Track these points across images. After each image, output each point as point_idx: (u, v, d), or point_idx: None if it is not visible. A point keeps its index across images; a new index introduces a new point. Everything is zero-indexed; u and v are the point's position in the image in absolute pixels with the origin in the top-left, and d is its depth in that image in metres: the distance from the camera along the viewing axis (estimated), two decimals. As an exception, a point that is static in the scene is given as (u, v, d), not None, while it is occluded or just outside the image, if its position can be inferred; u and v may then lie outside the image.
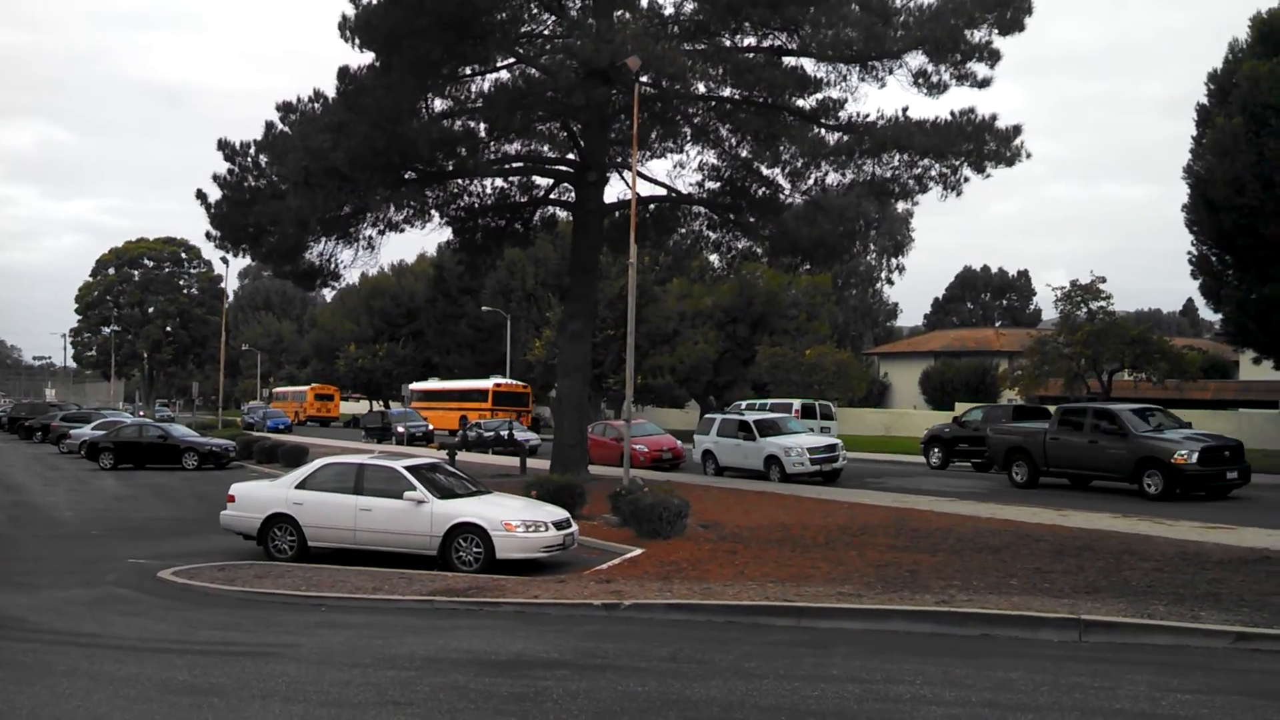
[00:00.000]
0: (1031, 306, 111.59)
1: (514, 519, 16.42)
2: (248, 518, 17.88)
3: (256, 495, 18.16)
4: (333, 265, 30.56)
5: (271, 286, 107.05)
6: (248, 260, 41.93)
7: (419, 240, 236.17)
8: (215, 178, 28.07)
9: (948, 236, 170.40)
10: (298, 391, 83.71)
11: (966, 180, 26.16)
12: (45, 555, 18.35)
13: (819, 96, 26.38)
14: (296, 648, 10.30)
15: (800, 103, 26.54)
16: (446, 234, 32.47)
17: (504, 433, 39.61)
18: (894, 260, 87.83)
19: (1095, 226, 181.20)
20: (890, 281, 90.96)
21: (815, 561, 15.78)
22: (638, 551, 17.44)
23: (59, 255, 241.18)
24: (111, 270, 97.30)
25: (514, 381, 61.38)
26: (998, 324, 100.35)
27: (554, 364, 61.27)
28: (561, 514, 17.47)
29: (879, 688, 8.56)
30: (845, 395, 53.66)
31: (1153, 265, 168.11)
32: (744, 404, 46.16)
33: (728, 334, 58.27)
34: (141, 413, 77.13)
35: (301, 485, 17.69)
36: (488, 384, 60.98)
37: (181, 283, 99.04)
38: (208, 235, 29.46)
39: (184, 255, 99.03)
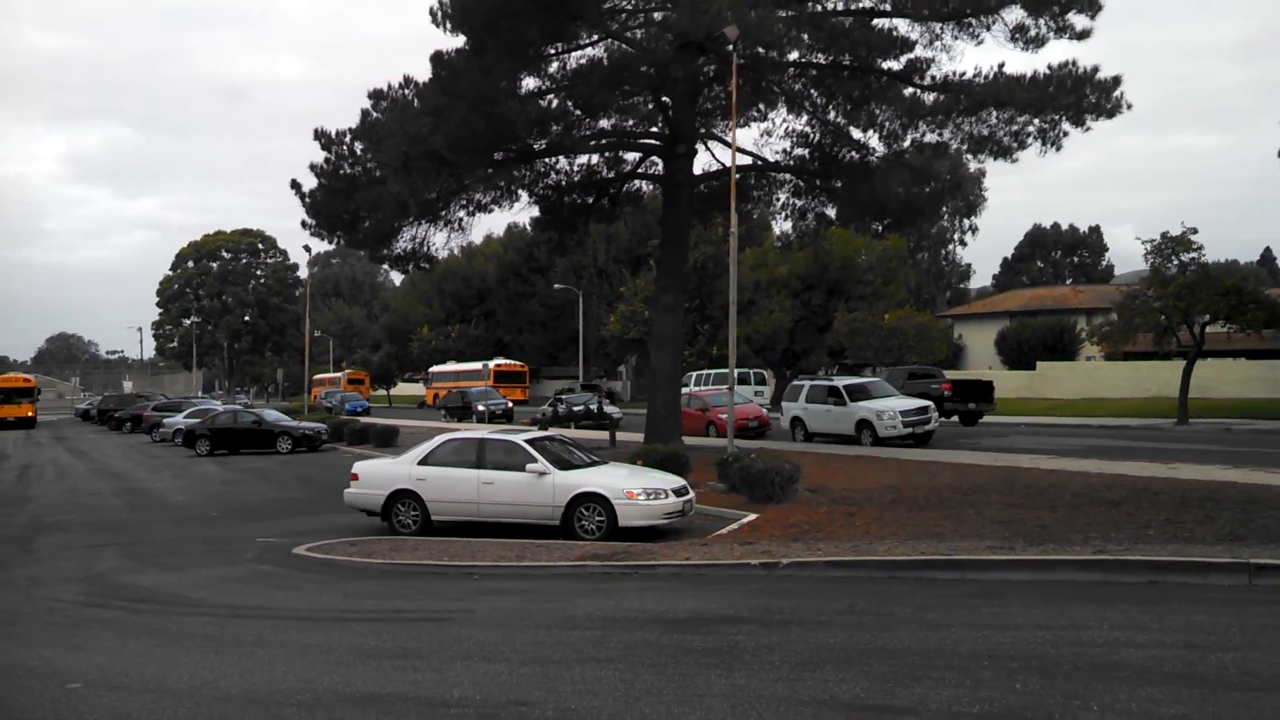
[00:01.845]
0: (1104, 263, 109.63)
1: (635, 487, 16.62)
2: (371, 494, 18.27)
3: (379, 473, 18.54)
4: (425, 248, 30.94)
5: (341, 274, 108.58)
6: (329, 246, 42.67)
7: (490, 223, 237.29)
8: (312, 167, 28.47)
9: (1014, 196, 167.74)
10: (333, 378, 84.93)
11: (1066, 135, 25.72)
12: (176, 537, 18.86)
13: (912, 56, 26.03)
14: (470, 613, 10.56)
15: (894, 64, 26.23)
16: (517, 215, 32.81)
17: (592, 407, 39.90)
18: (966, 221, 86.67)
19: (1166, 179, 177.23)
20: (963, 243, 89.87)
21: (937, 520, 15.74)
22: (753, 516, 17.55)
23: (129, 252, 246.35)
24: (190, 263, 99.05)
25: (512, 362, 69.14)
26: (1069, 281, 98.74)
27: (628, 339, 61.86)
28: (679, 481, 17.65)
29: (1068, 633, 8.58)
30: (926, 358, 53.17)
31: (1227, 216, 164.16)
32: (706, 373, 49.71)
33: (803, 302, 58.03)
34: (241, 396, 78.55)
35: (423, 461, 18.03)
36: (490, 365, 68.44)
37: (259, 273, 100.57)
38: (303, 224, 29.86)
39: (260, 246, 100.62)
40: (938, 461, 24.94)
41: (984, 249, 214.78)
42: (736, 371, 43.80)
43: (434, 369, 78.50)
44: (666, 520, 16.64)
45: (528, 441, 17.73)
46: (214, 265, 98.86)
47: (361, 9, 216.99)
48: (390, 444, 37.42)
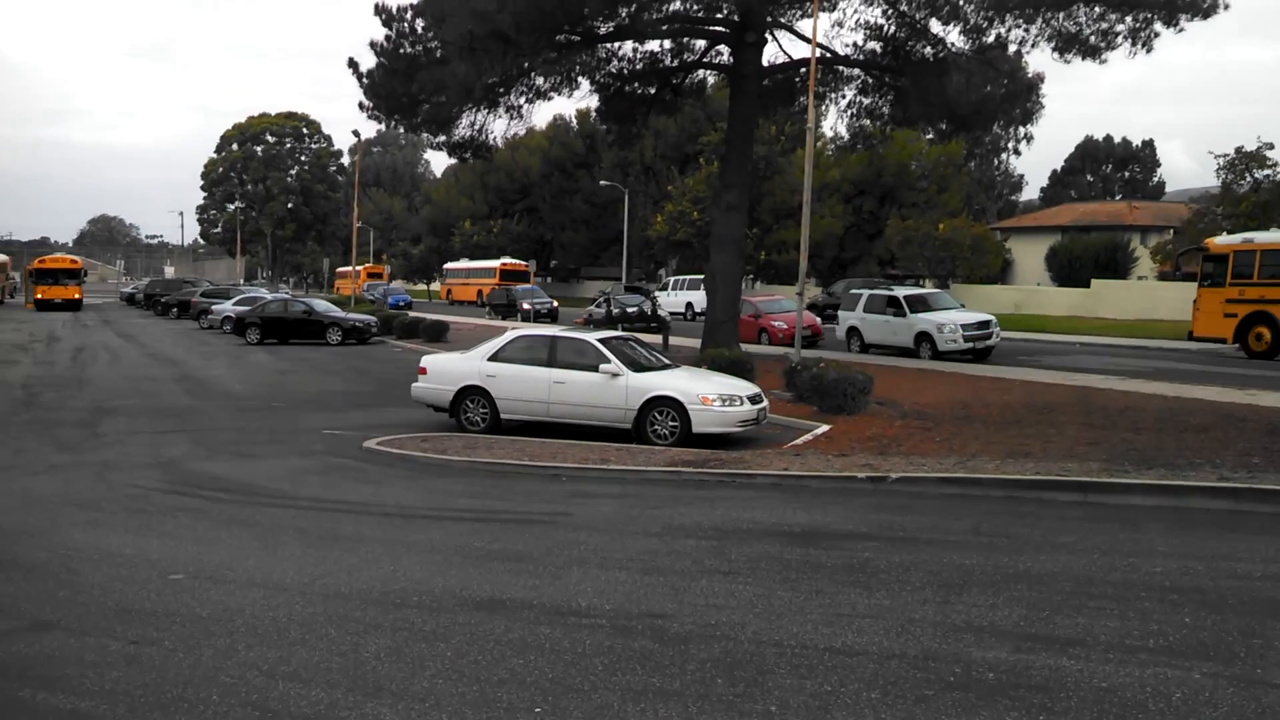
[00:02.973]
0: (1155, 179, 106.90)
1: (710, 392, 16.22)
2: (440, 390, 17.97)
3: (449, 368, 18.20)
4: (484, 135, 30.22)
5: (382, 163, 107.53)
6: (380, 128, 41.29)
7: (539, 114, 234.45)
8: (372, 44, 27.57)
9: (1059, 105, 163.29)
10: (352, 270, 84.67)
11: (1157, 35, 24.52)
12: (241, 426, 18.69)
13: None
14: (569, 516, 10.25)
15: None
16: (568, 106, 31.89)
17: (645, 308, 39.40)
18: (1021, 129, 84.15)
19: (1219, 94, 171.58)
20: (1017, 152, 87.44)
21: (1021, 439, 15.28)
22: (826, 427, 17.18)
23: (168, 135, 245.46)
24: (235, 146, 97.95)
25: (517, 261, 70.85)
26: (1118, 196, 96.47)
27: (675, 240, 60.96)
28: (753, 388, 17.21)
29: (1223, 565, 8.15)
30: (979, 272, 52.22)
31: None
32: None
33: (854, 208, 56.89)
34: (283, 285, 78.25)
35: (494, 358, 17.67)
36: (496, 264, 70.79)
37: (303, 158, 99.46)
38: (360, 106, 29.08)
39: (304, 130, 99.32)
40: (1003, 378, 24.41)
41: (1029, 161, 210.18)
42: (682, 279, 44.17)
43: (447, 266, 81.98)
44: (741, 428, 16.26)
45: (601, 341, 17.31)
46: (258, 149, 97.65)
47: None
48: (440, 339, 37.21)
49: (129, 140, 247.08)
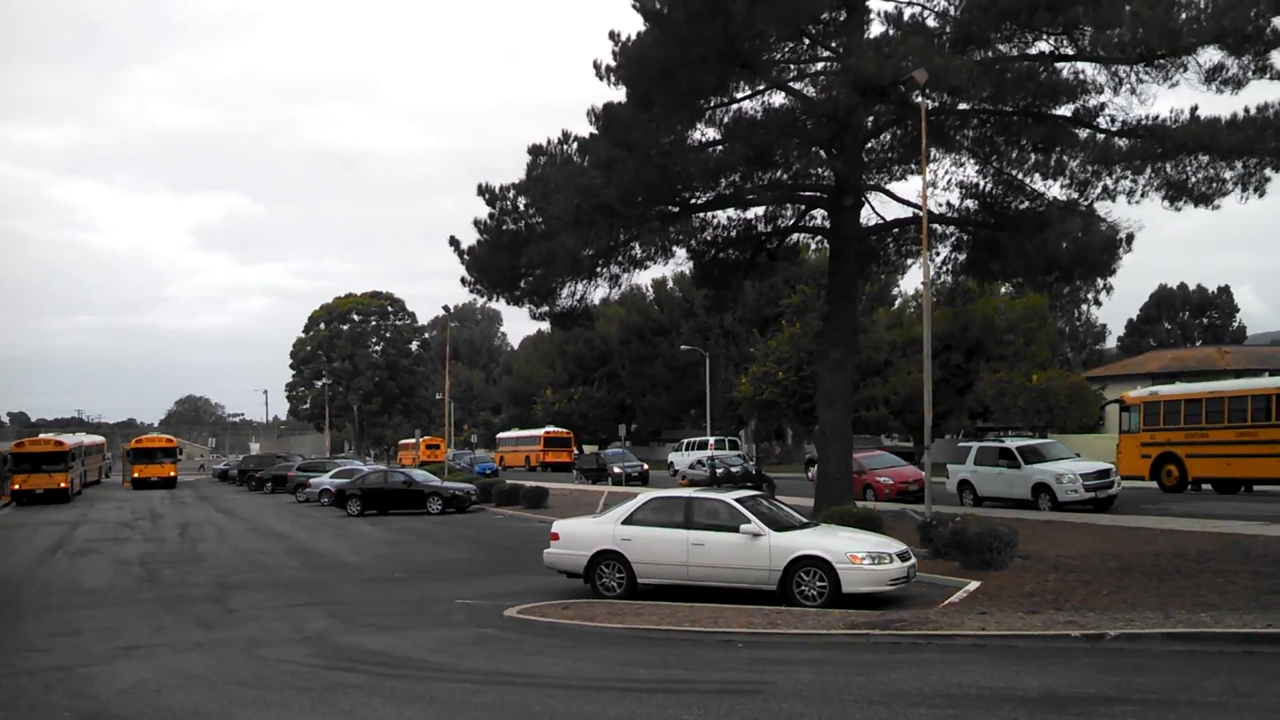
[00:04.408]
0: (1234, 324, 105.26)
1: (859, 551, 15.68)
2: (574, 555, 17.61)
3: (582, 533, 17.88)
4: (584, 304, 30.59)
5: (460, 336, 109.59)
6: (474, 300, 42.04)
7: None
8: (476, 223, 28.42)
9: (1128, 256, 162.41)
10: (412, 443, 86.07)
11: (1268, 180, 24.30)
12: (371, 598, 18.42)
13: (1099, 100, 24.98)
14: (772, 685, 9.67)
15: (1079, 109, 25.20)
16: (656, 273, 32.38)
17: (750, 468, 38.97)
18: (1101, 281, 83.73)
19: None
20: (1098, 303, 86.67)
21: (1195, 591, 14.50)
22: (975, 584, 16.53)
23: (247, 319, 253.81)
24: (323, 325, 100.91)
25: (558, 430, 76.66)
26: (1198, 343, 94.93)
27: (760, 400, 60.78)
28: (900, 545, 16.60)
29: None
30: (1075, 421, 51.06)
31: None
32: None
33: (941, 362, 56.24)
34: (368, 458, 79.03)
35: (628, 521, 17.32)
36: (540, 433, 76.84)
37: (388, 334, 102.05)
38: (463, 281, 29.75)
39: (389, 308, 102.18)
40: (1138, 527, 23.49)
41: (1105, 311, 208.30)
42: (714, 439, 44.77)
43: (500, 435, 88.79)
44: (892, 586, 15.65)
45: (739, 501, 16.90)
46: (344, 328, 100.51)
47: (466, 82, 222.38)
48: (540, 505, 36.94)
49: (210, 323, 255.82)
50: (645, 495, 18.11)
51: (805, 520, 17.97)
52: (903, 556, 15.98)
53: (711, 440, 59.59)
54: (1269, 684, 8.94)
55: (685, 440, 63.65)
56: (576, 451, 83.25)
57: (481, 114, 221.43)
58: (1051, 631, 11.13)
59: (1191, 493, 31.72)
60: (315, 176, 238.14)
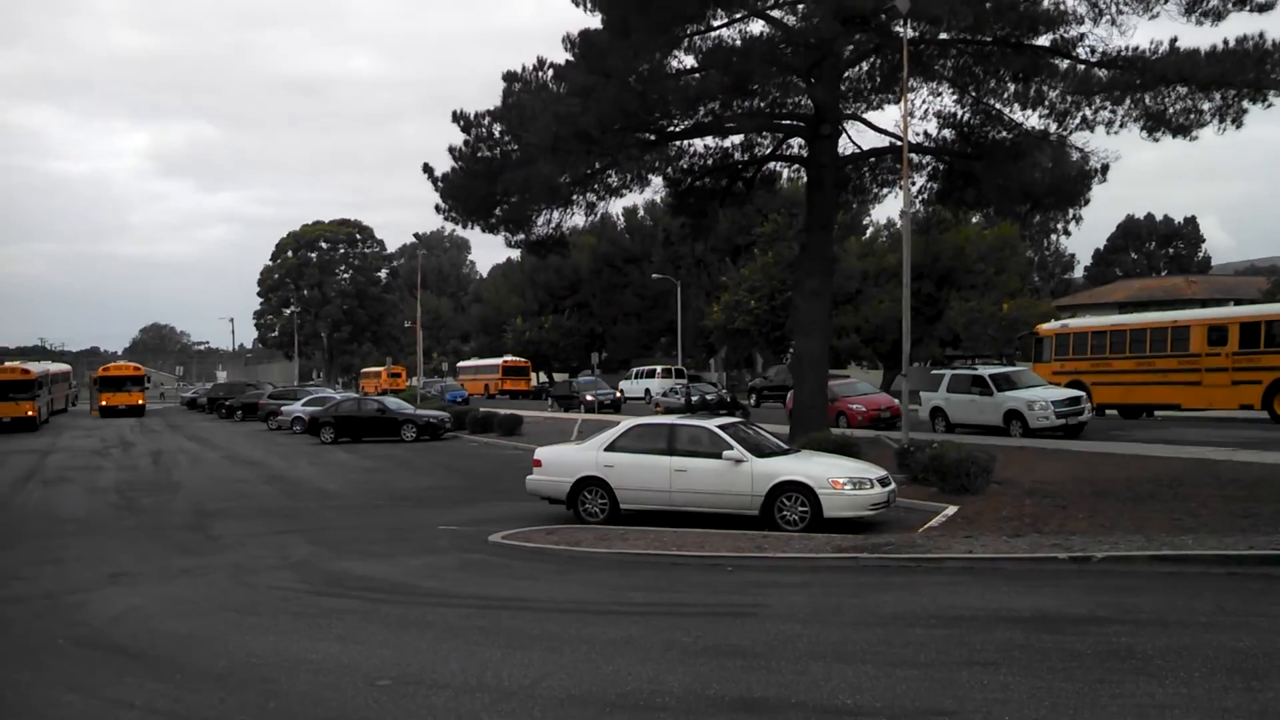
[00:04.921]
0: (1200, 254, 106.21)
1: (840, 476, 15.85)
2: (557, 482, 17.68)
3: (565, 459, 17.94)
4: (560, 232, 30.40)
5: (428, 265, 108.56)
6: (455, 228, 41.43)
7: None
8: (451, 150, 28.04)
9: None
10: (376, 371, 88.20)
11: (1245, 111, 24.38)
12: (354, 524, 18.49)
13: (1079, 30, 24.87)
14: (766, 607, 9.81)
15: (1059, 39, 25.06)
16: (631, 200, 32.10)
17: (726, 396, 39.21)
18: (1073, 210, 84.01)
19: (1246, 171, 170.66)
20: (1068, 232, 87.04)
21: (1172, 515, 14.78)
22: (954, 509, 16.80)
23: (211, 246, 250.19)
24: (290, 253, 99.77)
25: (517, 359, 78.90)
26: (1163, 273, 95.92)
27: (733, 328, 60.89)
28: (881, 471, 16.80)
29: None
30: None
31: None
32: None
33: (913, 291, 56.29)
34: (337, 386, 79.23)
35: (610, 448, 17.39)
36: (499, 361, 79.19)
37: (357, 263, 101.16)
38: (437, 208, 29.37)
39: (358, 236, 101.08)
40: (1110, 453, 23.83)
41: (1073, 241, 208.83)
42: (660, 368, 45.44)
43: (460, 364, 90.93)
44: (873, 511, 15.83)
45: (721, 428, 17.00)
46: (313, 255, 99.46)
47: (427, 7, 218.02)
48: (515, 432, 37.01)
49: (173, 250, 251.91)
50: (628, 422, 18.17)
51: (786, 446, 18.11)
52: (883, 482, 16.17)
53: (659, 370, 62.60)
54: (1254, 603, 9.20)
55: (635, 369, 65.85)
56: (546, 380, 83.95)
57: (443, 41, 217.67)
58: (1038, 554, 11.36)
59: (1096, 417, 32.65)
60: (277, 103, 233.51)
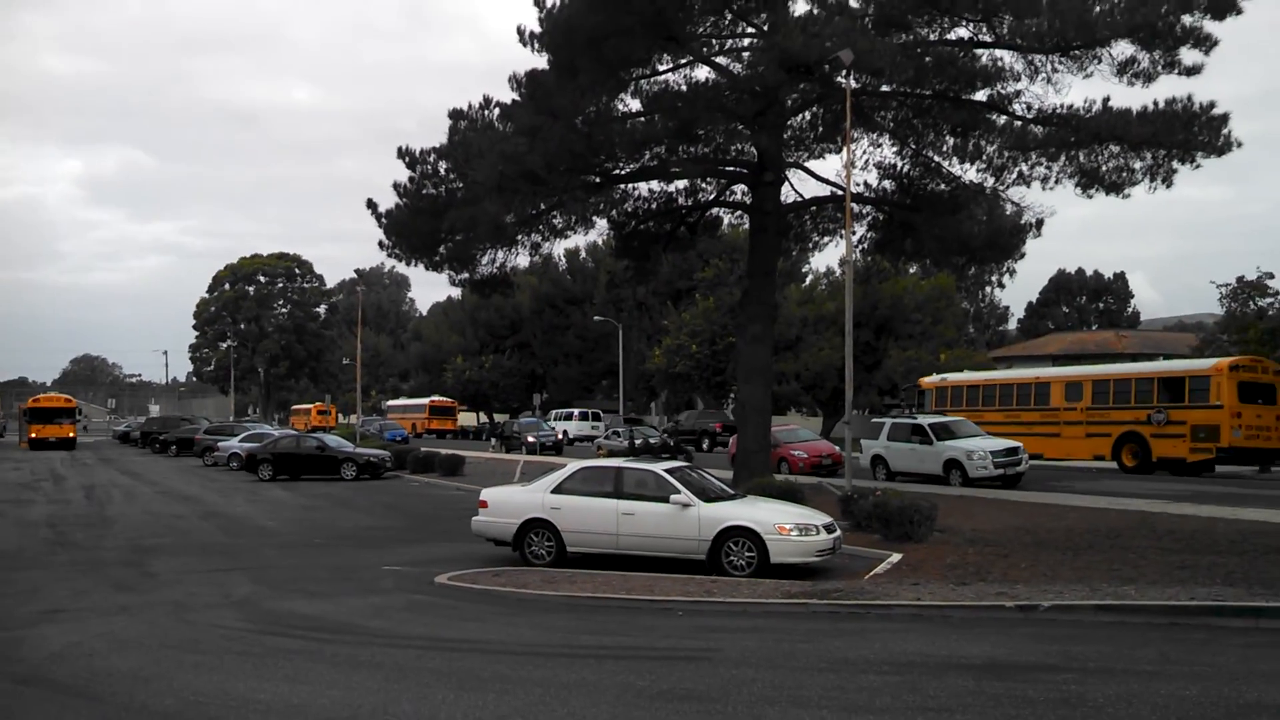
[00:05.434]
0: (1129, 309, 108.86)
1: (787, 522, 16.00)
2: (502, 523, 17.63)
3: (511, 501, 17.90)
4: (504, 271, 30.52)
5: (367, 301, 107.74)
6: (399, 265, 41.10)
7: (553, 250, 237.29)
8: (395, 185, 28.14)
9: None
10: (306, 409, 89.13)
11: (1175, 171, 25.25)
12: (295, 564, 18.26)
13: (1016, 87, 25.63)
14: (719, 652, 9.87)
15: (995, 95, 25.82)
16: (574, 242, 32.42)
17: (670, 440, 39.35)
18: (1009, 263, 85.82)
19: (1173, 229, 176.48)
20: (1002, 285, 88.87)
21: (1112, 565, 15.14)
22: (898, 556, 17.01)
23: (144, 276, 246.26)
24: (228, 285, 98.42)
25: (444, 399, 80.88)
26: (1094, 326, 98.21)
27: (674, 372, 61.21)
28: (826, 518, 16.98)
29: None
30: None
31: (1236, 266, 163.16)
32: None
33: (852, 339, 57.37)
34: (274, 422, 78.25)
35: (557, 490, 17.39)
36: (425, 401, 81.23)
37: (295, 298, 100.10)
38: (380, 244, 29.39)
39: (296, 270, 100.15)
40: (1048, 504, 24.31)
41: (1007, 294, 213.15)
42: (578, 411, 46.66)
43: (388, 403, 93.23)
44: (819, 557, 16.00)
45: (669, 471, 17.09)
46: (250, 289, 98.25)
47: (368, 40, 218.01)
48: (456, 472, 36.79)
49: (105, 280, 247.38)
50: (575, 465, 18.21)
51: (732, 491, 18.26)
52: (829, 528, 16.34)
53: (575, 413, 64.75)
54: (1198, 652, 9.46)
55: (554, 412, 67.19)
56: (486, 420, 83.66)
57: (384, 75, 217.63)
58: (985, 602, 11.58)
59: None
60: (212, 132, 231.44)
